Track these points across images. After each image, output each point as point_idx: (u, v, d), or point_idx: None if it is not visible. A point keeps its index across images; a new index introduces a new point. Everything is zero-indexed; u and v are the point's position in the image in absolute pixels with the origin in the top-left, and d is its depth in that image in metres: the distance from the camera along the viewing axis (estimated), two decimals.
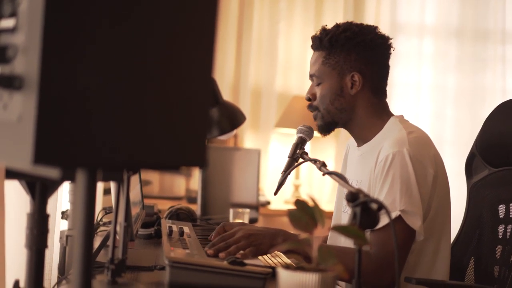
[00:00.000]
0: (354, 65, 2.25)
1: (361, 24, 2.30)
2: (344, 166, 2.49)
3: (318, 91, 2.30)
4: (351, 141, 2.46)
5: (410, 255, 2.13)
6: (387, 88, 2.35)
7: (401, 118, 2.29)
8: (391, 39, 2.32)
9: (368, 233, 2.08)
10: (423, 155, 2.14)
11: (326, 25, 2.31)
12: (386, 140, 2.19)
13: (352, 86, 2.26)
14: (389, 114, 2.31)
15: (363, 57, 2.25)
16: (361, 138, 2.32)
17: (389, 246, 1.99)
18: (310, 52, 2.38)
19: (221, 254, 2.08)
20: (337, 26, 2.28)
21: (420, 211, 2.08)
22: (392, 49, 2.31)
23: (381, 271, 2.00)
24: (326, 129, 2.33)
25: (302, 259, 1.97)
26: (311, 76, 2.33)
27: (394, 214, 2.04)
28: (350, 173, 2.37)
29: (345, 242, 2.14)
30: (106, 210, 2.86)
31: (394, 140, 2.15)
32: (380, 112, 2.29)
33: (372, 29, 2.29)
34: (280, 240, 2.08)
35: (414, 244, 2.11)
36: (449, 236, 2.26)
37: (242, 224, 2.31)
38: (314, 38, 2.32)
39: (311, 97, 2.33)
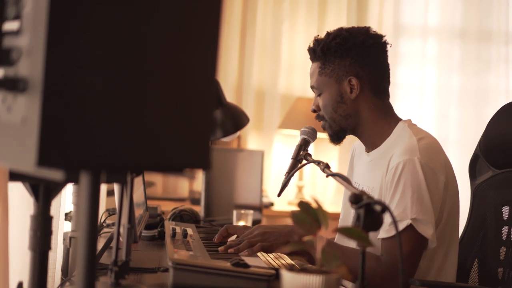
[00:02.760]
0: (350, 70, 2.24)
1: (352, 28, 2.29)
2: (350, 169, 2.48)
3: (320, 101, 2.30)
4: (357, 144, 2.46)
5: (422, 261, 2.13)
6: (390, 89, 2.34)
7: (409, 122, 2.28)
8: (384, 36, 2.30)
9: (377, 238, 2.08)
10: (434, 162, 2.13)
11: (318, 36, 2.31)
12: (396, 147, 2.18)
13: (351, 90, 2.25)
14: (396, 118, 2.30)
15: (357, 60, 2.24)
16: (370, 143, 2.31)
17: (401, 253, 1.99)
18: None
19: (230, 250, 2.10)
20: (328, 34, 2.28)
21: (432, 219, 2.08)
22: (388, 45, 2.30)
23: (390, 278, 2.01)
24: (336, 138, 2.33)
25: (306, 260, 1.98)
26: (312, 88, 2.33)
27: (405, 223, 2.04)
28: (358, 178, 2.36)
29: (354, 245, 2.14)
30: (110, 212, 2.86)
31: (405, 148, 2.14)
32: (385, 115, 2.28)
33: (363, 31, 2.27)
34: (296, 238, 2.09)
35: (425, 250, 2.11)
36: (457, 240, 2.26)
37: (245, 227, 2.31)
38: (309, 50, 2.32)
39: (316, 109, 2.33)
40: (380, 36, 2.29)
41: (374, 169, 2.26)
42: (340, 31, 2.27)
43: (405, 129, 2.23)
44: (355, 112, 2.27)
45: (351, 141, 2.53)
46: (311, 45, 2.30)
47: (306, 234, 2.10)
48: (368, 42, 2.25)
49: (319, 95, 2.31)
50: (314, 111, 2.34)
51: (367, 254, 2.04)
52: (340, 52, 2.24)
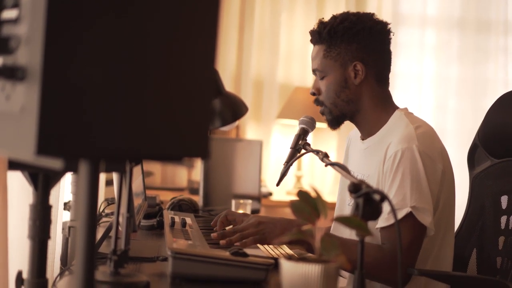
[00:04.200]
0: (356, 55, 2.23)
1: (358, 13, 2.28)
2: (345, 158, 2.48)
3: (322, 85, 2.28)
4: (352, 133, 2.45)
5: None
6: (390, 78, 2.34)
7: (406, 111, 2.28)
8: (389, 24, 2.30)
9: (376, 227, 2.08)
10: (432, 150, 2.13)
11: (323, 18, 2.30)
12: (392, 135, 2.18)
13: (356, 76, 2.24)
14: (393, 106, 2.30)
15: (364, 46, 2.23)
16: (367, 130, 2.30)
17: (401, 241, 1.99)
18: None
19: (222, 241, 2.09)
20: (334, 17, 2.26)
21: (430, 206, 2.08)
22: (391, 34, 2.29)
23: (395, 266, 1.99)
24: (335, 123, 2.31)
25: (305, 250, 1.98)
26: (314, 71, 2.31)
27: (405, 211, 2.04)
28: (353, 166, 2.35)
29: (351, 234, 2.14)
30: (109, 201, 2.87)
31: (402, 136, 2.13)
32: (384, 103, 2.28)
33: (370, 16, 2.27)
34: (294, 230, 2.08)
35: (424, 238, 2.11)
36: (453, 228, 2.26)
37: (245, 214, 2.31)
38: (312, 32, 2.29)
39: (316, 92, 2.30)
40: (386, 23, 2.28)
41: (369, 156, 2.26)
42: (347, 15, 2.25)
43: (402, 117, 2.23)
44: (357, 98, 2.25)
45: (349, 130, 2.52)
46: (315, 27, 2.29)
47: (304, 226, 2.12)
48: (376, 28, 2.24)
49: (321, 78, 2.28)
50: (314, 94, 2.31)
51: (369, 245, 2.06)
52: (347, 36, 2.22)
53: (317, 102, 2.32)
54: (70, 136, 1.00)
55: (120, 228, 1.66)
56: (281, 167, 2.24)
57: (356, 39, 2.23)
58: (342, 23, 2.23)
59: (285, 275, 1.36)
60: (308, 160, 5.13)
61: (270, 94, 5.15)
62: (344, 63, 2.24)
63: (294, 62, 5.19)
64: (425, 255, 2.16)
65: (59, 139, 0.99)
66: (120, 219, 1.67)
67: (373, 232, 1.98)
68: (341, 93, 2.25)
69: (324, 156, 2.04)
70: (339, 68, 2.25)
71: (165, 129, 1.10)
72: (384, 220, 2.05)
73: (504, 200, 2.40)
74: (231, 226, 2.28)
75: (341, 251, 1.37)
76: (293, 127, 4.90)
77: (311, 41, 2.32)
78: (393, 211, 1.42)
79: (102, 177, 3.00)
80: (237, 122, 2.53)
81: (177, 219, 2.33)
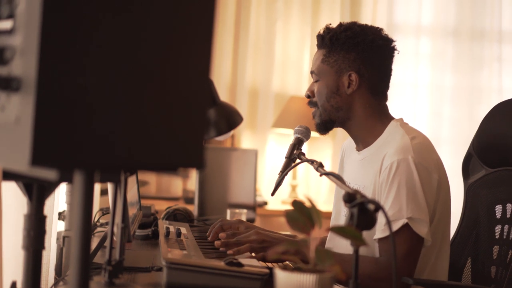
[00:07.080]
0: (353, 65, 2.24)
1: (365, 25, 2.29)
2: (340, 169, 2.47)
3: (315, 88, 2.30)
4: (346, 144, 2.46)
5: None
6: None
7: (401, 121, 2.28)
8: (394, 41, 2.31)
9: (373, 238, 2.08)
10: (427, 161, 2.14)
11: (331, 24, 2.32)
12: (388, 146, 2.18)
13: (349, 85, 2.25)
14: (389, 117, 2.30)
15: (362, 57, 2.24)
16: (361, 140, 2.31)
17: (397, 253, 2.00)
18: (307, 52, 2.39)
19: (217, 243, 2.10)
20: (340, 25, 2.28)
21: (426, 217, 2.08)
22: (396, 52, 2.31)
23: (390, 278, 1.99)
24: (323, 128, 2.32)
25: (300, 260, 1.97)
26: (311, 73, 2.34)
27: (401, 222, 2.04)
28: (349, 177, 2.34)
29: (347, 244, 2.13)
30: (103, 211, 2.86)
31: (398, 147, 2.14)
32: (379, 115, 2.29)
33: (375, 30, 2.28)
34: (289, 241, 2.08)
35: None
36: (449, 239, 2.27)
37: (240, 221, 2.30)
38: (317, 36, 2.32)
39: (310, 94, 2.33)
40: (391, 40, 2.30)
41: (366, 167, 2.26)
42: (353, 25, 2.27)
43: (397, 128, 2.24)
44: (348, 107, 2.27)
45: (344, 139, 2.52)
46: (321, 32, 2.30)
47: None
48: (377, 43, 2.25)
49: (316, 81, 2.31)
50: (308, 96, 2.33)
51: (366, 259, 2.06)
52: (347, 45, 2.24)
53: (311, 103, 2.34)
54: (65, 147, 1.00)
55: (114, 238, 1.66)
56: (276, 176, 2.24)
57: (356, 50, 2.24)
58: (345, 32, 2.24)
59: (280, 285, 1.35)
60: (303, 169, 5.13)
61: (265, 104, 5.16)
62: (340, 70, 2.25)
63: (289, 71, 5.19)
64: (422, 265, 2.16)
65: (54, 150, 0.99)
66: (115, 229, 1.67)
67: (368, 242, 1.99)
68: (331, 98, 2.26)
69: (319, 166, 2.05)
70: (334, 75, 2.26)
71: (160, 139, 1.10)
72: (381, 231, 2.05)
73: (498, 209, 2.40)
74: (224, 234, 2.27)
75: (337, 262, 1.37)
76: (288, 136, 4.90)
77: (316, 44, 2.34)
78: (388, 222, 1.42)
79: (97, 186, 2.99)
80: (232, 132, 2.53)
81: (172, 228, 2.33)
